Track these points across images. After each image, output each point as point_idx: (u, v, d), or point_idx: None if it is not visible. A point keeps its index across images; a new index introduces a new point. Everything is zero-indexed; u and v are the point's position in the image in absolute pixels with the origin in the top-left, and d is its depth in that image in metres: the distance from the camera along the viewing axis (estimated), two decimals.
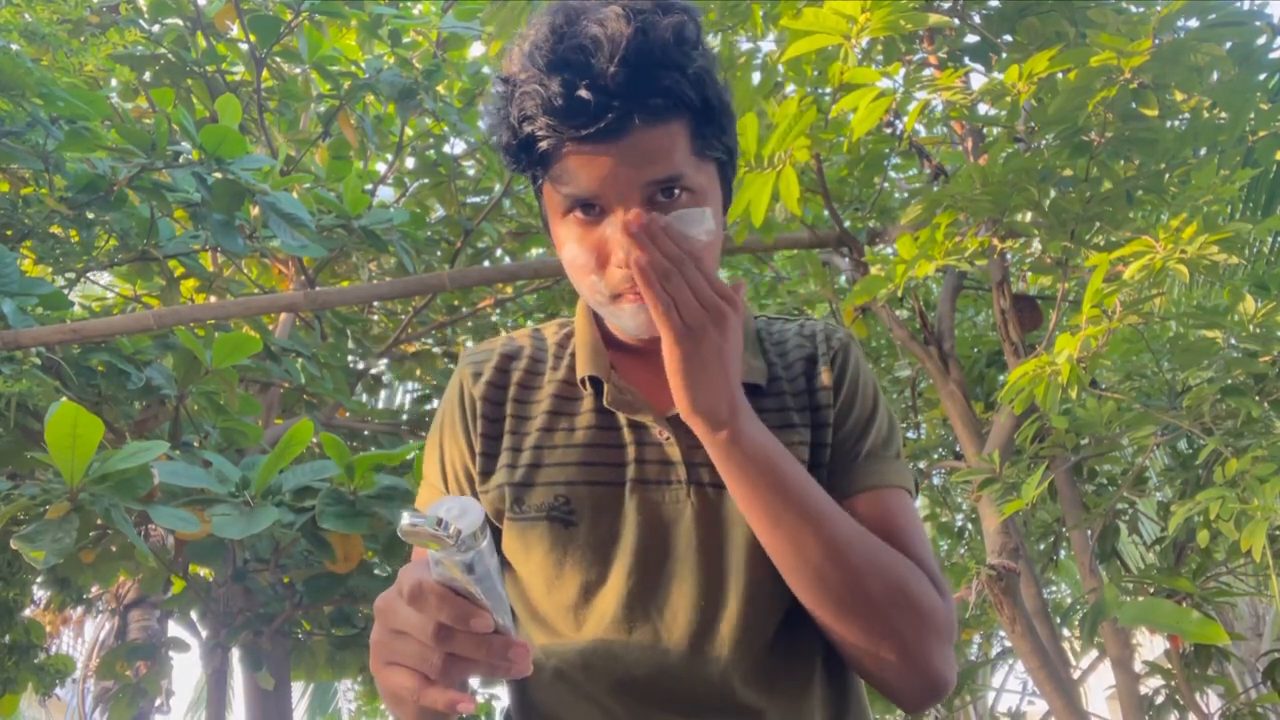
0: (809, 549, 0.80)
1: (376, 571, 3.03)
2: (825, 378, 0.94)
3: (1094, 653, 3.36)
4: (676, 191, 0.82)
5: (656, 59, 0.77)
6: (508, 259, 4.24)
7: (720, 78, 0.85)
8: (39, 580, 3.06)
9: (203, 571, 3.23)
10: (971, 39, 2.43)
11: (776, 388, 0.94)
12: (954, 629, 0.85)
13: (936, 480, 4.17)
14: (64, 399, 1.83)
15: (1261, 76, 2.14)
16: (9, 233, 2.61)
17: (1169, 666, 2.57)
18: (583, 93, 0.76)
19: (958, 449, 3.16)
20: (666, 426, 0.90)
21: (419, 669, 0.66)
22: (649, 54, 0.77)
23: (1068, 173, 2.08)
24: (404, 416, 4.30)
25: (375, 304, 4.03)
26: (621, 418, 0.91)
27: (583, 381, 0.93)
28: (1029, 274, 3.08)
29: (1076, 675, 2.60)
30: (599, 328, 0.97)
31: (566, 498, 0.88)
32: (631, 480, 0.89)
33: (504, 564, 0.94)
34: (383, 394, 5.03)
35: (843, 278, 3.26)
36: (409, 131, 3.67)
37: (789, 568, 0.82)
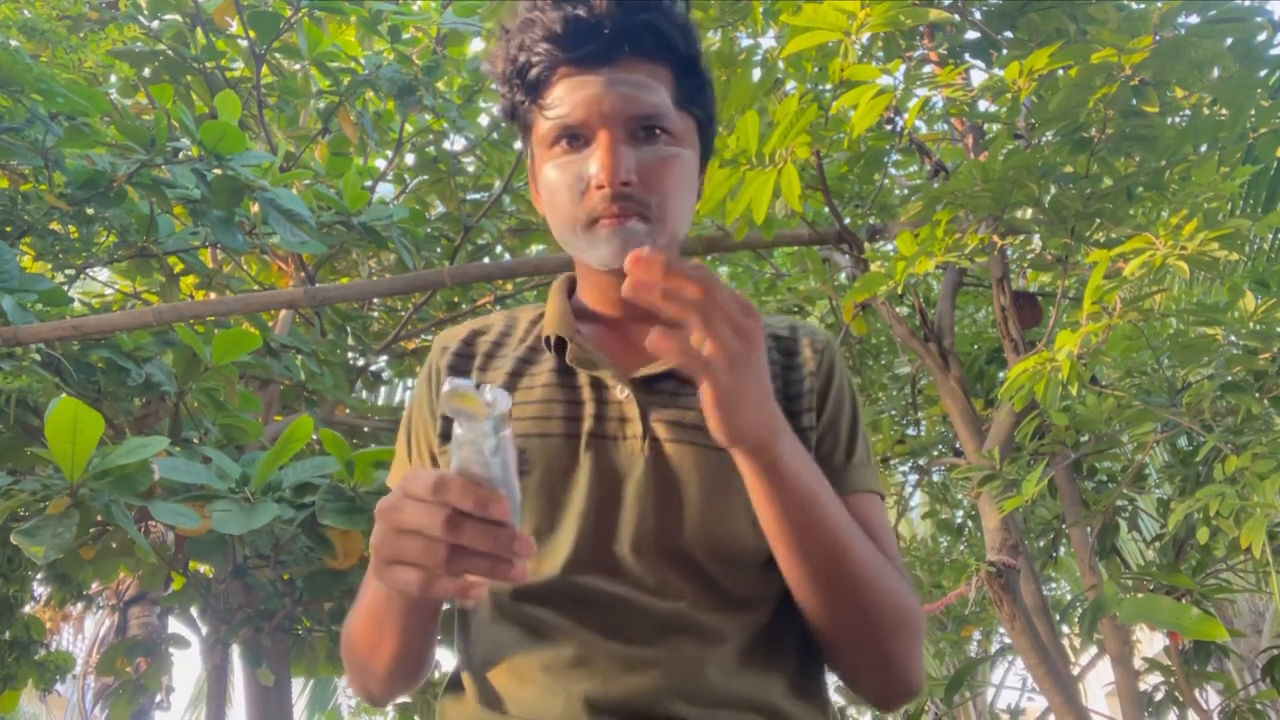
0: (825, 565, 0.82)
1: None
2: (810, 366, 0.96)
3: (1093, 649, 3.37)
4: (658, 131, 0.86)
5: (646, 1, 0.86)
6: (507, 256, 4.24)
7: (703, 61, 0.91)
8: (39, 576, 3.06)
9: (203, 568, 3.23)
10: (972, 35, 2.43)
11: None
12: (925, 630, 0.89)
13: (936, 477, 4.17)
14: (64, 395, 1.83)
15: (1262, 73, 2.14)
16: (8, 229, 2.61)
17: (1168, 663, 2.57)
18: (579, 11, 0.84)
19: (958, 445, 3.16)
20: (626, 385, 0.90)
21: (423, 563, 0.67)
22: None
23: (1068, 169, 2.08)
24: (404, 413, 4.29)
25: (375, 300, 4.03)
26: (583, 376, 0.92)
27: (547, 341, 0.95)
28: (1029, 271, 3.08)
29: (1076, 672, 2.61)
30: (570, 302, 0.99)
31: (521, 449, 0.89)
32: (588, 434, 0.89)
33: None
34: (382, 390, 5.03)
35: (843, 274, 3.27)
36: (409, 128, 3.66)
37: (798, 575, 0.83)
